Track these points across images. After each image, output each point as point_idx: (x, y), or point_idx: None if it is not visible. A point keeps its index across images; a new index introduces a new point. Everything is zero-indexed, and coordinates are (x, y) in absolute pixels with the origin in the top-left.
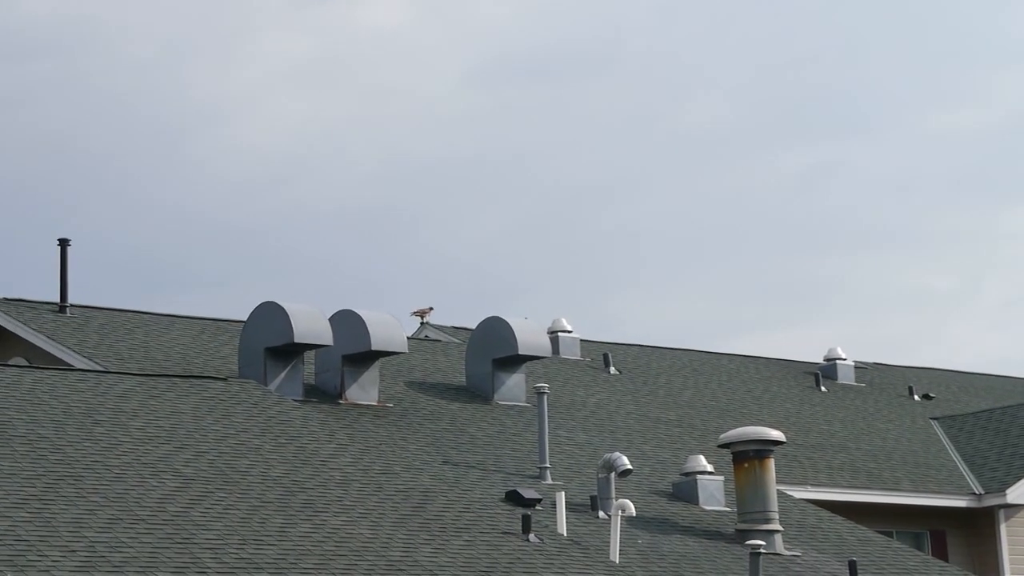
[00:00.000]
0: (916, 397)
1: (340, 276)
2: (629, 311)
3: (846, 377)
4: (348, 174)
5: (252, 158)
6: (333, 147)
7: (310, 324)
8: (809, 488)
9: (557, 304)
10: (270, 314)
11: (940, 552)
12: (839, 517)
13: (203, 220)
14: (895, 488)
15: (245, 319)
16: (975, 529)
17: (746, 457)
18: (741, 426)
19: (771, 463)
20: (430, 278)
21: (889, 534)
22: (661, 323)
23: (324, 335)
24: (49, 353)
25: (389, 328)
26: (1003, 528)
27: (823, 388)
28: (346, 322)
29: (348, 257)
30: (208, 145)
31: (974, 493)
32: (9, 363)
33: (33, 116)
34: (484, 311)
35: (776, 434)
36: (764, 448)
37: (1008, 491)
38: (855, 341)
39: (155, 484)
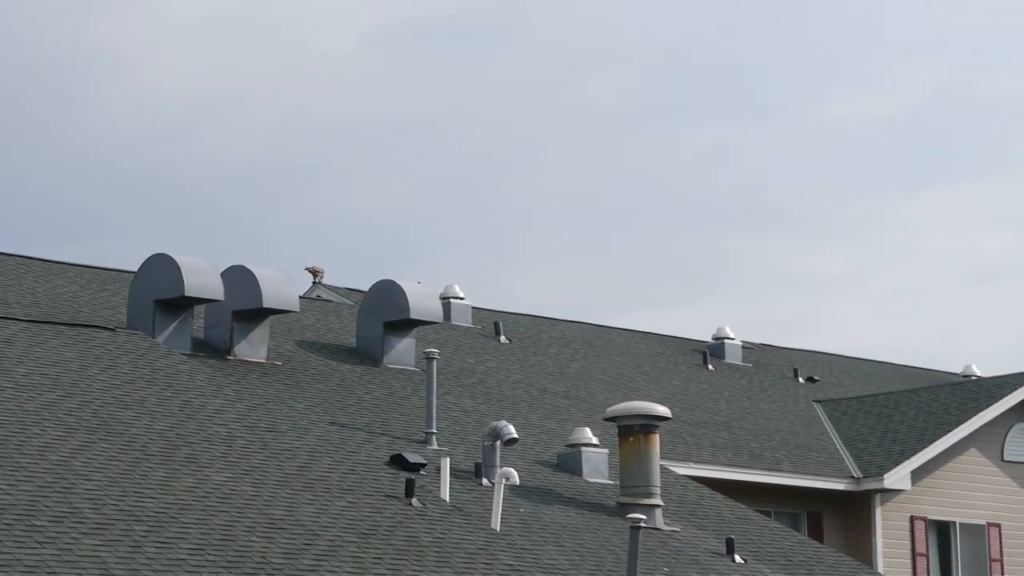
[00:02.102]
0: (801, 379)
1: (234, 231)
2: (522, 281)
3: (733, 356)
4: (246, 129)
5: (151, 108)
6: (233, 101)
7: (201, 278)
8: (692, 465)
9: (451, 271)
10: (161, 266)
11: (816, 533)
12: (719, 494)
13: (98, 167)
14: (775, 468)
15: (136, 270)
16: (851, 511)
17: (631, 431)
18: (628, 400)
19: (656, 438)
20: (325, 239)
21: (768, 513)
22: (553, 295)
23: (215, 289)
24: None
25: (281, 286)
26: (878, 512)
27: (710, 366)
28: (238, 277)
29: (243, 213)
30: (108, 92)
31: (852, 476)
32: None
33: None
34: (377, 274)
35: (662, 410)
36: (649, 423)
37: (886, 476)
38: (743, 322)
39: (37, 432)
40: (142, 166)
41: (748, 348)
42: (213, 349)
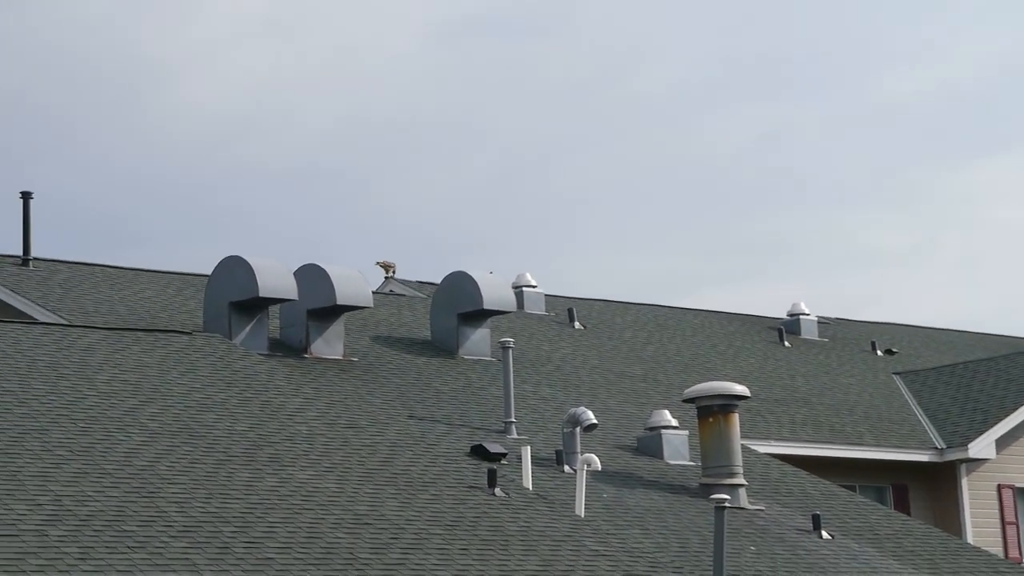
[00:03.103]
0: (879, 352)
1: (303, 233)
2: (593, 267)
3: (809, 332)
4: (306, 131)
5: (206, 116)
6: (291, 104)
7: (274, 278)
8: (773, 443)
9: (522, 260)
10: (234, 268)
11: (902, 506)
12: (803, 471)
13: (157, 178)
14: (858, 443)
15: (209, 273)
16: (937, 483)
17: (710, 412)
18: (705, 381)
19: (735, 418)
20: (395, 235)
21: (852, 488)
22: (625, 280)
23: (289, 289)
24: (12, 307)
25: (354, 282)
26: (964, 482)
27: (786, 343)
28: (311, 276)
29: (311, 214)
30: (163, 102)
31: (936, 448)
32: None
33: None
34: (448, 267)
35: (740, 388)
36: (728, 403)
37: (970, 445)
38: (816, 298)
39: (121, 438)
40: (203, 174)
41: (824, 323)
42: (289, 348)
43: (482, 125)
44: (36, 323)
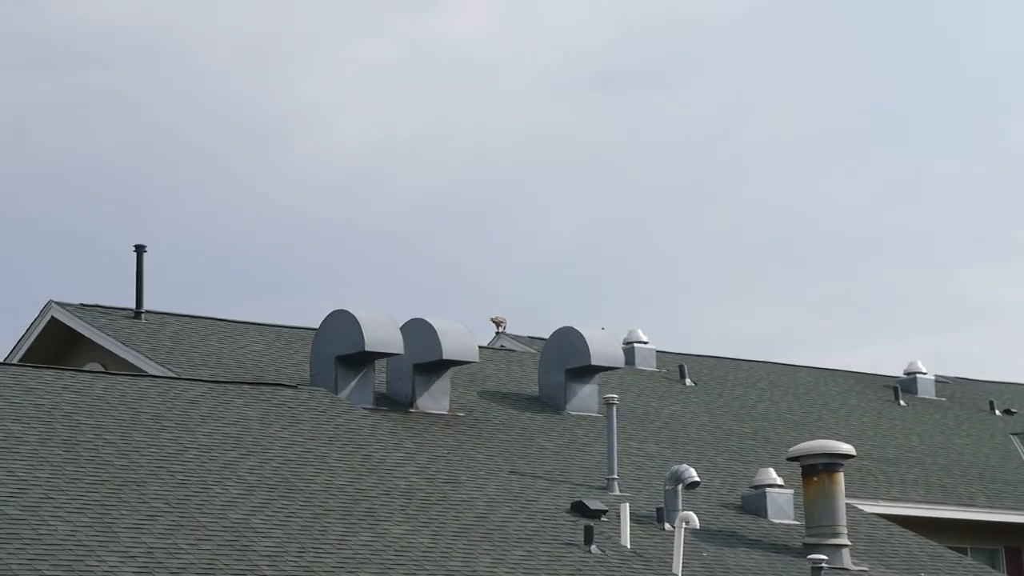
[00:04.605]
0: (997, 412)
1: (421, 281)
2: (710, 323)
3: (926, 391)
4: (422, 182)
5: (328, 162)
6: (407, 154)
7: (381, 332)
8: (881, 503)
9: (636, 315)
10: (341, 322)
11: (1016, 569)
12: (910, 532)
13: (292, 218)
14: (970, 503)
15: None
16: None
17: (815, 471)
18: (815, 440)
19: (840, 477)
20: (510, 287)
21: (963, 550)
22: (739, 336)
23: (395, 344)
24: (123, 359)
25: (460, 337)
26: None
27: (902, 402)
28: (417, 331)
29: (430, 259)
30: (305, 146)
31: None
32: (84, 369)
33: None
34: (562, 320)
35: (846, 448)
36: (833, 462)
37: None
38: (936, 357)
39: (218, 491)
40: (321, 215)
41: (942, 382)
42: (395, 403)
43: (600, 172)
44: (143, 375)
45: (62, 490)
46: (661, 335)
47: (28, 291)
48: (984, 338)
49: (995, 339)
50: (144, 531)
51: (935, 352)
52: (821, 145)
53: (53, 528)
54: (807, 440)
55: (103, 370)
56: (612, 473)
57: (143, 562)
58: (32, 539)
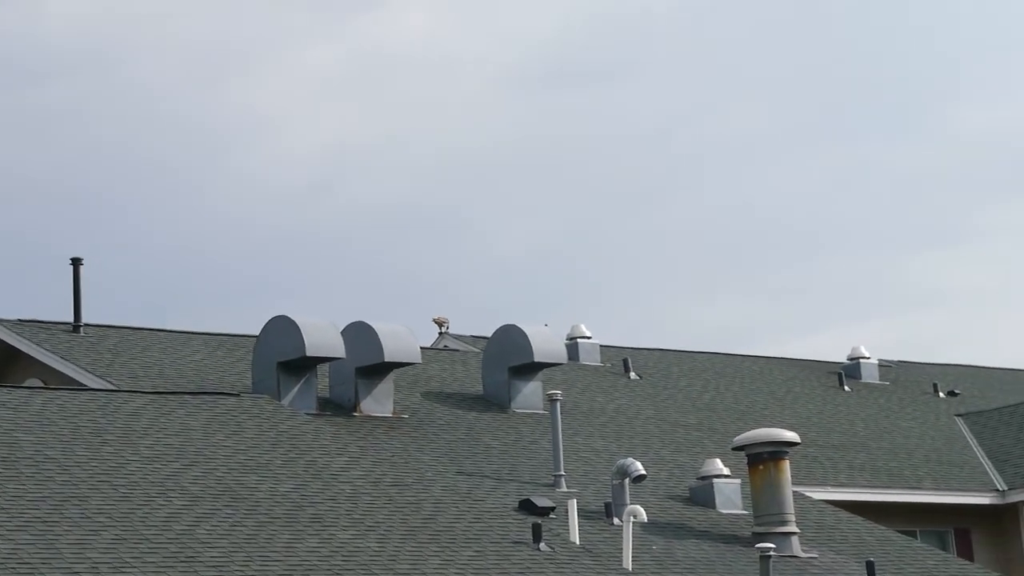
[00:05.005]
0: (941, 394)
1: (366, 286)
2: (653, 317)
3: (870, 376)
4: (372, 187)
5: (282, 169)
6: (360, 159)
7: (322, 337)
8: (829, 489)
9: (580, 311)
10: (282, 328)
11: (965, 551)
12: (858, 517)
13: (240, 228)
14: (917, 487)
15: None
16: (1000, 527)
17: (760, 459)
18: (760, 428)
19: (786, 464)
20: (467, 289)
21: (912, 534)
22: (688, 330)
23: (336, 348)
24: (63, 373)
25: (402, 339)
26: None
27: (846, 388)
28: (359, 334)
29: (380, 262)
30: (253, 155)
31: (998, 490)
32: (22, 385)
33: (70, 131)
34: (508, 319)
35: (790, 435)
36: (778, 450)
37: None
38: (887, 343)
39: (162, 503)
40: (272, 225)
41: (885, 366)
42: (339, 407)
43: (547, 172)
44: (82, 389)
45: (2, 508)
46: (617, 332)
47: None
48: (934, 323)
49: (945, 324)
50: (87, 546)
51: (888, 338)
52: (773, 138)
53: None
54: (753, 429)
55: (42, 385)
56: (559, 470)
57: None
58: None
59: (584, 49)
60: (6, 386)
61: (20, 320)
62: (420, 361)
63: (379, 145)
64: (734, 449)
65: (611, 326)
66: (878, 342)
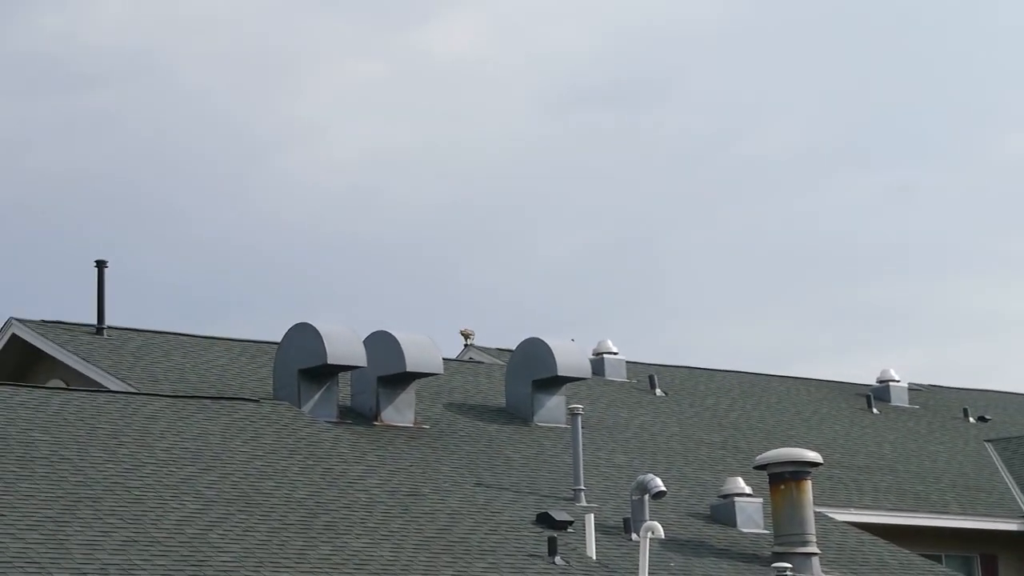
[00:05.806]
0: (971, 419)
1: (399, 299)
2: (690, 338)
3: (899, 399)
4: (415, 195)
5: (305, 190)
6: (399, 168)
7: (343, 345)
8: (853, 511)
9: (612, 328)
10: (304, 335)
11: None
12: (881, 540)
13: (255, 244)
14: (943, 511)
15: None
16: None
17: (782, 479)
18: (785, 447)
19: (808, 484)
20: (490, 297)
21: (937, 558)
22: (722, 350)
23: (358, 356)
24: (85, 375)
25: (424, 349)
26: None
27: (875, 410)
28: (381, 343)
29: (410, 272)
30: (269, 172)
31: None
32: (44, 385)
33: (83, 147)
34: (536, 333)
35: (812, 455)
36: (800, 469)
37: None
38: (921, 368)
39: (175, 506)
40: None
41: (915, 390)
42: (360, 416)
43: (581, 192)
44: (101, 391)
45: (14, 507)
46: (647, 349)
47: None
48: (972, 349)
49: (984, 351)
50: (97, 547)
51: (923, 363)
52: (810, 161)
53: (4, 545)
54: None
55: (62, 386)
56: (578, 484)
57: None
58: None
59: (629, 64)
60: (26, 386)
61: (43, 321)
62: (442, 372)
63: (417, 152)
64: (756, 468)
65: (641, 343)
66: (913, 366)
